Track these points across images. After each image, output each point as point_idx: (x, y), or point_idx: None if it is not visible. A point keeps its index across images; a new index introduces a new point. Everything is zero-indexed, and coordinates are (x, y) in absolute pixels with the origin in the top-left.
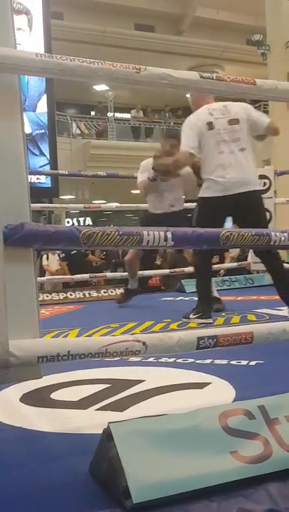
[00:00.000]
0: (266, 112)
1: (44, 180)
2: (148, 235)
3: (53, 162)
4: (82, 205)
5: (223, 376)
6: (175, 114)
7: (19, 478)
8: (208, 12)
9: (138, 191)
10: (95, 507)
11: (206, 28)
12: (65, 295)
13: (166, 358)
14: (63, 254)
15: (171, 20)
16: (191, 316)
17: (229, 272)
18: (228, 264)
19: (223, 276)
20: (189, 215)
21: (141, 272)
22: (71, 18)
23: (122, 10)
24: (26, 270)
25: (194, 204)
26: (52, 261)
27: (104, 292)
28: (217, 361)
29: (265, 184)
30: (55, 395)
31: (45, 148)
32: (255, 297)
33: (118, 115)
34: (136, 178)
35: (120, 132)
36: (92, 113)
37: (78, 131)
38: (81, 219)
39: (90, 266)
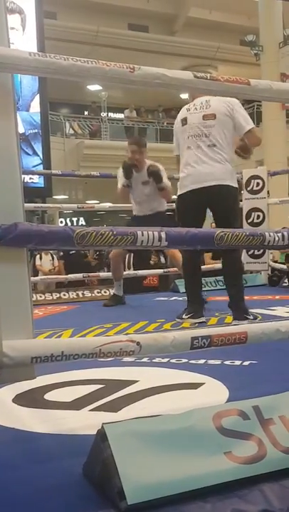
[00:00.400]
0: (259, 112)
1: (37, 180)
2: (142, 235)
3: (46, 162)
4: (75, 205)
5: (216, 376)
6: (168, 114)
7: (12, 480)
8: (201, 12)
9: None
10: (89, 508)
11: (199, 29)
12: (58, 295)
13: (159, 359)
14: (61, 253)
15: (165, 20)
16: (183, 316)
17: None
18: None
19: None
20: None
21: (135, 272)
22: (64, 17)
23: (115, 10)
24: (20, 270)
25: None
26: (45, 261)
27: (98, 292)
28: (211, 361)
29: (258, 184)
30: (49, 396)
31: (38, 147)
32: (247, 297)
33: (111, 115)
34: None
35: (114, 132)
36: (86, 113)
37: (72, 131)
38: (74, 219)
39: (88, 265)
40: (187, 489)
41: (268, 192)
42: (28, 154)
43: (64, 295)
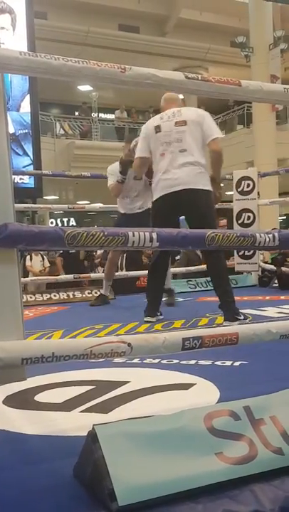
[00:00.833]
0: (249, 114)
1: (27, 181)
2: (133, 236)
3: (37, 162)
4: (66, 205)
5: (207, 377)
6: None
7: (2, 481)
8: (192, 14)
9: None
10: (80, 510)
11: (190, 30)
12: (48, 296)
13: (150, 359)
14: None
15: (156, 21)
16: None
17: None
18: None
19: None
20: None
21: (126, 273)
22: (55, 17)
23: (106, 10)
24: (10, 271)
25: None
26: (35, 262)
27: (89, 293)
28: (201, 362)
29: (249, 186)
30: (39, 397)
31: (28, 148)
32: (238, 298)
33: (102, 116)
34: None
35: (104, 133)
36: (76, 113)
37: (62, 132)
38: (65, 219)
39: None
40: (178, 490)
41: (258, 193)
42: (19, 154)
43: (54, 296)
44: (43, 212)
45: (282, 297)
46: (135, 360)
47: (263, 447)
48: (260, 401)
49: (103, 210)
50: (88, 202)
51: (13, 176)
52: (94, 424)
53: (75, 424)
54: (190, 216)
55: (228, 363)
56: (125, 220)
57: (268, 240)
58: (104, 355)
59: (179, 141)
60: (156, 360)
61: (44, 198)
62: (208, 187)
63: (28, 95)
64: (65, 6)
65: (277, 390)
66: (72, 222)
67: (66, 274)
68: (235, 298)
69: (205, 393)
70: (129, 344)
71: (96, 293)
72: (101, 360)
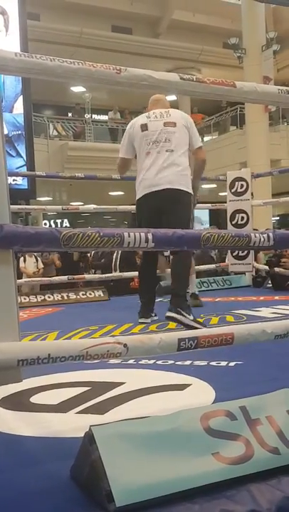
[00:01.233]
0: (242, 115)
1: (21, 182)
2: (129, 237)
3: (30, 163)
4: (60, 206)
5: (203, 377)
6: None
7: None
8: (185, 15)
9: (117, 193)
10: (77, 511)
11: (183, 31)
12: (43, 297)
13: (146, 360)
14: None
15: (149, 22)
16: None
17: (207, 273)
18: (206, 266)
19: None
20: None
21: (120, 274)
22: (48, 19)
23: (99, 12)
24: (5, 272)
25: None
26: (29, 263)
27: (83, 294)
28: (197, 362)
29: (242, 186)
30: (35, 399)
31: (21, 149)
32: (233, 298)
33: (95, 117)
34: (114, 179)
35: (98, 134)
36: (70, 114)
37: (55, 133)
38: (58, 221)
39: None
40: (175, 490)
41: (252, 194)
42: (12, 156)
43: (49, 297)
44: (37, 213)
45: (276, 297)
46: (131, 361)
47: (259, 447)
48: (256, 401)
49: (97, 211)
50: (82, 203)
51: None
52: (91, 425)
53: (71, 425)
54: (169, 215)
55: (224, 363)
56: None
57: (262, 239)
58: (100, 356)
59: (168, 141)
60: (152, 361)
61: (37, 199)
62: (190, 189)
63: (21, 96)
64: (57, 7)
65: (272, 389)
66: (66, 223)
67: (61, 275)
68: (230, 298)
69: (201, 394)
70: (124, 345)
71: (90, 294)
72: (97, 361)
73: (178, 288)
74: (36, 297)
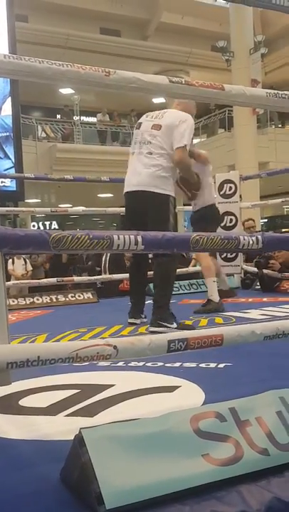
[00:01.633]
0: (231, 117)
1: (9, 184)
2: (118, 239)
3: (18, 165)
4: (49, 208)
5: (192, 379)
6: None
7: None
8: (173, 17)
9: (106, 195)
10: None
11: (171, 34)
12: (31, 300)
13: (135, 362)
14: None
15: (137, 25)
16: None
17: (196, 275)
18: (196, 268)
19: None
20: None
21: (109, 276)
22: (36, 20)
23: (87, 14)
24: None
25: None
26: (17, 265)
27: (72, 297)
28: (186, 364)
29: (231, 189)
30: (24, 402)
31: (10, 151)
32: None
33: (84, 119)
34: (103, 181)
35: (86, 136)
36: (58, 116)
37: (44, 135)
38: (47, 223)
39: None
40: (166, 492)
41: (240, 196)
42: (0, 157)
43: (37, 300)
44: (25, 215)
45: (265, 299)
46: (120, 364)
47: (248, 448)
48: (246, 402)
49: (86, 213)
50: (70, 205)
51: None
52: (81, 428)
53: (61, 428)
54: (145, 217)
55: (213, 364)
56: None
57: (251, 242)
58: (89, 358)
59: (148, 144)
60: (141, 363)
61: (26, 201)
62: (166, 191)
63: (10, 98)
64: (46, 9)
65: (261, 391)
66: (55, 225)
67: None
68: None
69: (190, 395)
70: (114, 347)
71: (79, 296)
72: (86, 363)
73: (157, 298)
74: (25, 299)
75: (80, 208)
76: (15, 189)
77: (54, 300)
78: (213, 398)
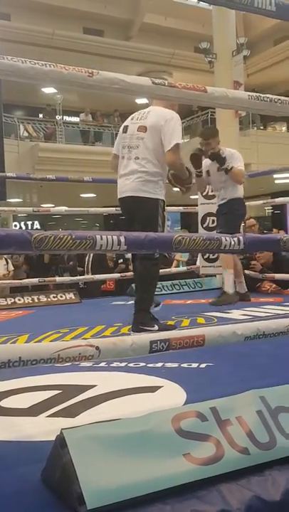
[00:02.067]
0: (213, 119)
1: None
2: (101, 239)
3: (0, 164)
4: (31, 208)
5: (174, 379)
6: (124, 118)
7: None
8: (156, 18)
9: (88, 195)
10: None
11: (154, 34)
12: (13, 300)
13: (117, 363)
14: None
15: (120, 25)
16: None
17: (178, 275)
18: (178, 268)
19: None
20: None
21: (92, 276)
22: (19, 19)
23: (71, 13)
24: None
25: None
26: None
27: (54, 297)
28: (168, 364)
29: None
30: (5, 403)
31: None
32: (204, 300)
33: (67, 118)
34: (86, 182)
35: (69, 136)
36: (41, 115)
37: (26, 134)
38: (29, 222)
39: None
40: (147, 492)
41: None
42: None
43: (19, 300)
44: (7, 215)
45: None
46: (102, 364)
47: (229, 447)
48: (227, 402)
49: (68, 213)
50: (53, 205)
51: None
52: (62, 429)
53: (42, 429)
54: (135, 222)
55: (195, 365)
56: (217, 211)
57: (233, 243)
58: (72, 358)
59: (136, 148)
60: (123, 364)
61: (7, 200)
62: (155, 195)
63: None
64: (29, 7)
65: (242, 390)
66: (37, 225)
67: (31, 277)
68: (201, 300)
69: (172, 395)
70: (97, 347)
71: (61, 297)
72: (68, 364)
73: (138, 301)
74: (6, 300)
75: (63, 208)
76: None
77: (36, 300)
78: (194, 398)
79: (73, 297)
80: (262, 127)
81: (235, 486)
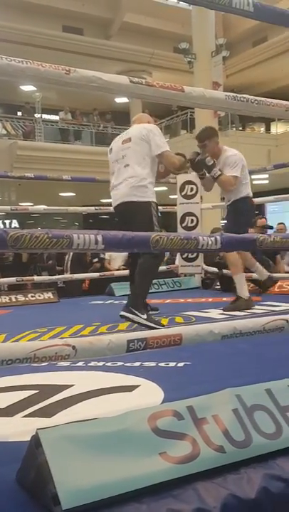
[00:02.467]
0: (192, 119)
1: None
2: (78, 238)
3: None
4: (9, 207)
5: (151, 378)
6: (103, 117)
7: None
8: (136, 18)
9: (68, 194)
10: None
11: (134, 34)
12: None
13: (95, 362)
14: None
15: (100, 24)
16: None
17: (157, 274)
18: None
19: None
20: None
21: (70, 276)
22: None
23: (50, 11)
24: None
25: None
26: None
27: (32, 296)
28: (146, 363)
29: (192, 190)
30: None
31: None
32: (182, 300)
33: (46, 116)
34: (65, 180)
35: (48, 134)
36: (19, 113)
37: (4, 132)
38: (7, 221)
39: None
40: (123, 491)
41: (201, 197)
42: None
43: None
44: None
45: (224, 299)
46: (80, 364)
47: (205, 446)
48: (203, 400)
49: (47, 212)
50: (31, 204)
51: None
52: (37, 429)
53: (17, 429)
54: (130, 226)
55: (172, 364)
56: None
57: (210, 242)
58: (48, 358)
59: (124, 157)
60: (101, 363)
61: None
62: (146, 198)
63: None
64: (7, 4)
65: (219, 389)
66: (15, 224)
67: (9, 276)
68: (180, 300)
69: (149, 394)
70: (73, 347)
71: (39, 296)
72: (45, 363)
73: (134, 288)
74: None
75: (41, 207)
76: None
77: (13, 300)
78: (172, 397)
79: (51, 296)
80: (241, 128)
81: (211, 484)
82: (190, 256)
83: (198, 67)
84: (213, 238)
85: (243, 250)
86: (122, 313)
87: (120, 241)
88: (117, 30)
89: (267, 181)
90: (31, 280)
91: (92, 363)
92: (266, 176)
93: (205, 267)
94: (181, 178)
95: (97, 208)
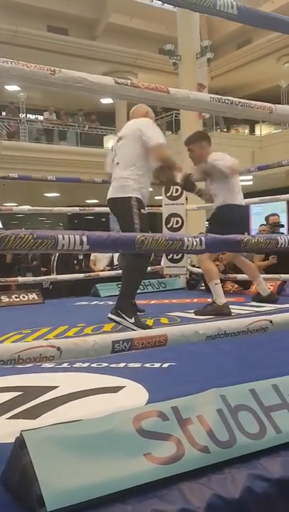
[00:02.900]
0: (177, 120)
1: None
2: (63, 239)
3: None
4: None
5: (136, 379)
6: (89, 118)
7: None
8: (121, 19)
9: (52, 194)
10: None
11: (119, 35)
12: None
13: (80, 363)
14: None
15: (85, 24)
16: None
17: None
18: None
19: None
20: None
21: (55, 277)
22: None
23: (34, 11)
24: None
25: None
26: None
27: (16, 297)
28: (131, 364)
29: (177, 191)
30: None
31: None
32: (167, 301)
33: (30, 116)
34: (49, 181)
35: (32, 134)
36: (3, 113)
37: None
38: None
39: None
40: (107, 492)
41: (186, 198)
42: None
43: None
44: None
45: (209, 299)
46: (65, 365)
47: (190, 446)
48: (188, 401)
49: (31, 212)
50: (16, 204)
51: None
52: (22, 430)
53: (2, 431)
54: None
55: (157, 364)
56: None
57: (195, 243)
58: (32, 360)
59: (116, 156)
60: (86, 364)
61: None
62: (127, 193)
63: None
64: None
65: (204, 389)
66: None
67: None
68: (164, 301)
69: (134, 395)
70: (58, 348)
71: (24, 297)
72: (29, 365)
73: (122, 291)
74: None
75: (26, 207)
76: None
77: None
78: (156, 398)
79: (36, 297)
80: (225, 130)
81: (195, 484)
82: (175, 257)
83: (183, 69)
84: (198, 239)
85: (227, 251)
86: (110, 315)
87: (105, 242)
88: (103, 30)
89: (251, 183)
90: (15, 281)
91: (77, 364)
92: (250, 177)
93: (190, 267)
94: None
95: (82, 208)
